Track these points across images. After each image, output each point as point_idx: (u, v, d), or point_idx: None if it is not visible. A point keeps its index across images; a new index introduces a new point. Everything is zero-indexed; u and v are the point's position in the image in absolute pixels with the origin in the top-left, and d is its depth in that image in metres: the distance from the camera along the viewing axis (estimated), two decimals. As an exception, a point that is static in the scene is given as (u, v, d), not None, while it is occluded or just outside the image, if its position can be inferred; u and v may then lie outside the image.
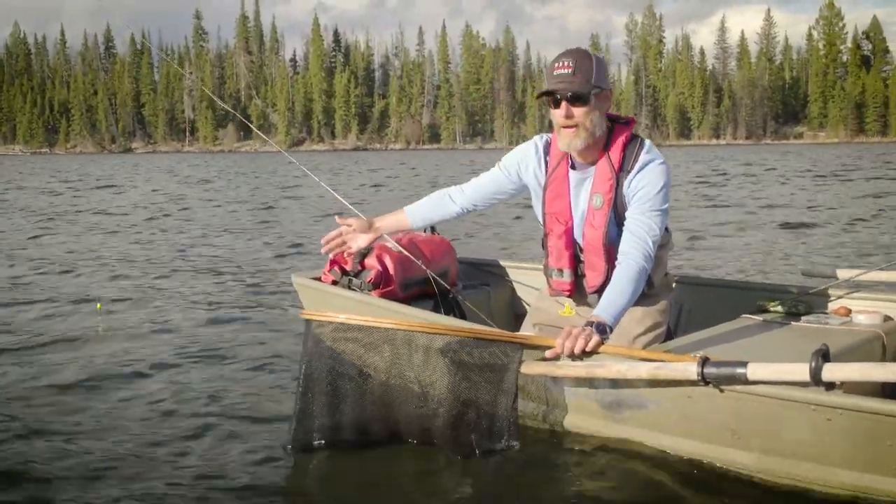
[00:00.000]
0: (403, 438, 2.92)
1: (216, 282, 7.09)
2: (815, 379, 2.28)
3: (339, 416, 2.90)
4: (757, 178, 24.41)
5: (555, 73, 2.97)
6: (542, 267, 3.38)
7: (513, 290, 4.28)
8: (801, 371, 2.31)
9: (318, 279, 3.75)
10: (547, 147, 3.22)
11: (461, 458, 2.80)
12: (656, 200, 2.98)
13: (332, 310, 3.60)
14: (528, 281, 4.22)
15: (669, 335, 3.26)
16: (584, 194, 3.11)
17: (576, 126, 2.95)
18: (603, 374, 2.67)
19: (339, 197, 3.83)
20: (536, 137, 3.27)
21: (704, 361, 2.47)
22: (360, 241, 3.43)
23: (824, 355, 2.31)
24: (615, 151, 3.04)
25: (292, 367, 4.10)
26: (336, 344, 2.88)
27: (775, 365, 2.39)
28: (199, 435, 3.22)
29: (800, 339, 3.11)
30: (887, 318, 3.30)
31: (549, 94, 2.97)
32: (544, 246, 3.32)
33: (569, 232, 3.16)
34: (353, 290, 3.60)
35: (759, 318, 3.38)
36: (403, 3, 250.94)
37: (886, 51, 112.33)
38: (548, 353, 2.75)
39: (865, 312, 3.31)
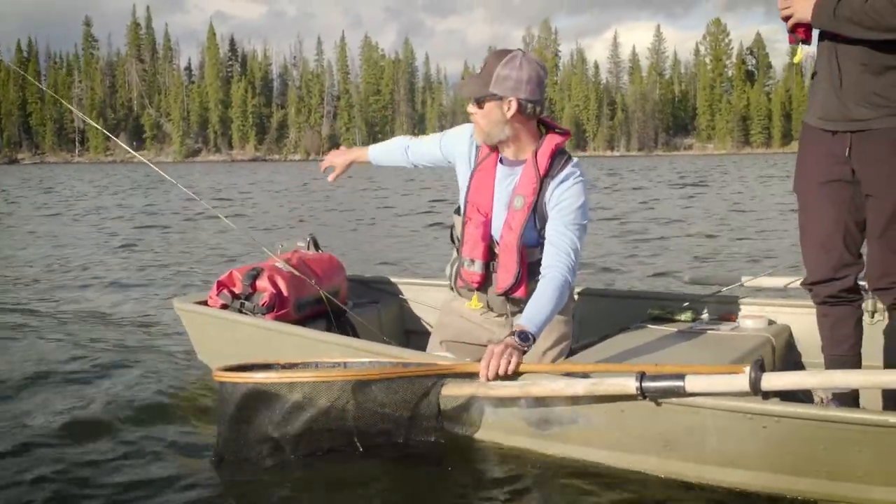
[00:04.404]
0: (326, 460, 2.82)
1: (95, 305, 6.83)
2: (755, 389, 2.31)
3: (259, 449, 2.81)
4: (643, 191, 25.07)
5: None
6: (431, 283, 3.33)
7: (402, 306, 4.26)
8: (741, 382, 2.33)
9: (205, 303, 3.61)
10: None
11: (381, 474, 2.75)
12: (577, 215, 3.02)
13: (222, 333, 3.52)
14: (417, 297, 4.21)
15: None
16: (507, 191, 3.12)
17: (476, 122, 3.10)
18: (539, 392, 2.63)
19: (224, 218, 3.74)
20: None
21: (642, 376, 2.45)
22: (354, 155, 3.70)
23: (761, 366, 2.35)
24: (543, 157, 3.06)
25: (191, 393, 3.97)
26: (249, 396, 2.75)
27: (713, 377, 2.41)
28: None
29: (698, 346, 3.18)
30: (771, 322, 3.42)
31: None
32: (454, 237, 3.31)
33: (487, 224, 3.15)
34: (246, 313, 3.49)
35: (654, 326, 3.46)
36: (302, 13, 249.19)
37: (769, 66, 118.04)
38: (477, 382, 2.71)
39: (751, 317, 3.42)
